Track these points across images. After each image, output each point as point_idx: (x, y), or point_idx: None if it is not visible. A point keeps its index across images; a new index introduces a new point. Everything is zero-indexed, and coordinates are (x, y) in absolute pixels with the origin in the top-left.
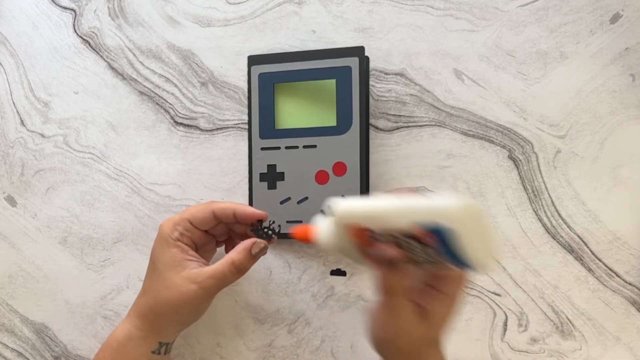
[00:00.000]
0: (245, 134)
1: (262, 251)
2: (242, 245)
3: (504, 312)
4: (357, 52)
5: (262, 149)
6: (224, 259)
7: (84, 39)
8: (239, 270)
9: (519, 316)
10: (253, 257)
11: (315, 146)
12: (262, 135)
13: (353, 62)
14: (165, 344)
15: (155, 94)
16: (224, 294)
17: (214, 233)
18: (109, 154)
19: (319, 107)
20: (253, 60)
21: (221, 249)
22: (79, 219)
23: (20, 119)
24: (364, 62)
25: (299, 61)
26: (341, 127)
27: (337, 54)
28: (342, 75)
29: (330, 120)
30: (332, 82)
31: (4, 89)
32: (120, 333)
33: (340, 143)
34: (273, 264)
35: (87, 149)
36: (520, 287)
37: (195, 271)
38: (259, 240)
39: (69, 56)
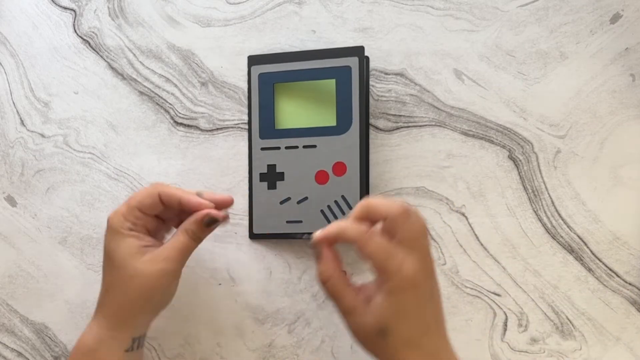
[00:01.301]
0: (245, 134)
1: (215, 223)
2: (194, 218)
3: (504, 312)
4: (357, 52)
5: (262, 149)
6: (178, 231)
7: (84, 39)
8: (194, 239)
9: (519, 316)
10: (206, 228)
11: (315, 146)
12: (262, 135)
13: (353, 62)
14: (137, 338)
15: (155, 94)
16: (225, 294)
17: (165, 217)
18: (109, 154)
19: (318, 107)
20: (253, 60)
21: None
22: (79, 219)
23: (20, 119)
24: (364, 62)
25: (299, 61)
26: (341, 127)
27: (337, 54)
28: (341, 75)
29: (330, 120)
30: (331, 82)
31: (4, 89)
32: (90, 338)
33: (340, 143)
34: (273, 264)
35: (87, 149)
36: (520, 287)
37: (156, 252)
38: (212, 212)
39: (69, 56)
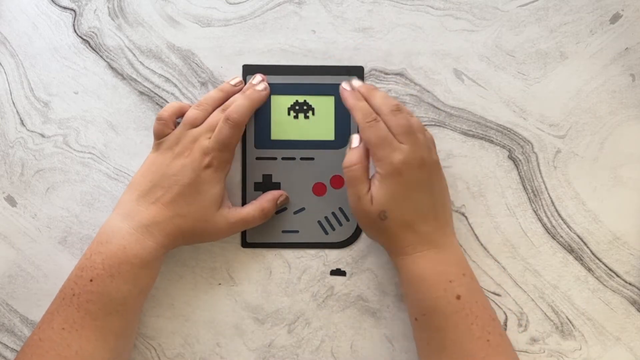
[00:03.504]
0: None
1: (285, 202)
2: (271, 196)
3: (504, 312)
4: (356, 71)
5: (258, 158)
6: (255, 206)
7: (83, 39)
8: (266, 217)
9: (519, 316)
10: (277, 206)
11: (312, 159)
12: (258, 145)
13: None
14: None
15: (155, 94)
16: (225, 294)
17: None
18: (109, 154)
19: (316, 121)
20: (248, 70)
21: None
22: (79, 219)
23: (20, 119)
24: (363, 81)
25: (297, 75)
26: (339, 141)
27: (337, 72)
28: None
29: (328, 135)
30: (330, 99)
31: (4, 89)
32: (145, 253)
33: (338, 157)
34: (273, 264)
35: (87, 149)
36: (520, 287)
37: (231, 212)
38: (284, 192)
39: (69, 56)
